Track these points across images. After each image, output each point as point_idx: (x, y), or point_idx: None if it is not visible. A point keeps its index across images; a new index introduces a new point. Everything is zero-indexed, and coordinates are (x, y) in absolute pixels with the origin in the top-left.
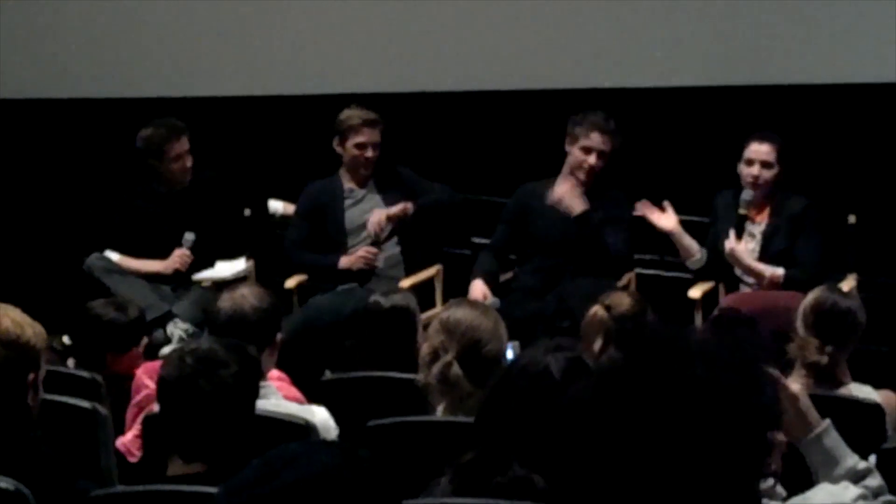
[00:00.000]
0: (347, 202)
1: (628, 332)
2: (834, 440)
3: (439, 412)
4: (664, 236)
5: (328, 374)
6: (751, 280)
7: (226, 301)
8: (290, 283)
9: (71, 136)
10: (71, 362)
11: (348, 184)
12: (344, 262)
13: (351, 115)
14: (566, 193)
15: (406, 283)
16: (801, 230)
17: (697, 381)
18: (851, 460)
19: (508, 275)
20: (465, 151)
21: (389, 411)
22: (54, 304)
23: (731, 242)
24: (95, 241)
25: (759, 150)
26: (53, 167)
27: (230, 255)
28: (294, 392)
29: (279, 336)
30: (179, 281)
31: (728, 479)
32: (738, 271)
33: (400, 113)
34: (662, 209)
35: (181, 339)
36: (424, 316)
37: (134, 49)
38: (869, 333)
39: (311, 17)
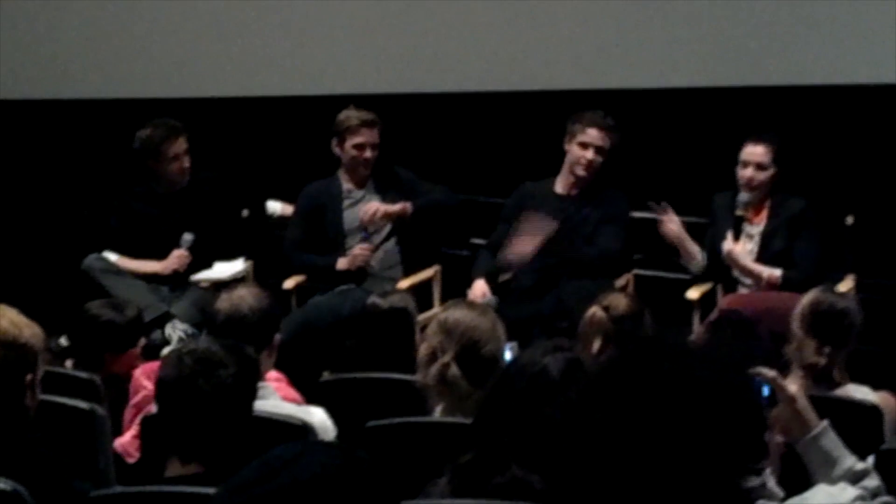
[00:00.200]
0: (346, 203)
1: (627, 334)
2: (832, 441)
3: (438, 413)
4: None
5: (326, 375)
6: (749, 281)
7: (224, 302)
8: (289, 283)
9: (69, 137)
10: (69, 363)
11: (347, 185)
12: (342, 263)
13: (349, 115)
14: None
15: (404, 283)
16: (799, 231)
17: (693, 383)
18: (849, 461)
19: (507, 275)
20: (463, 152)
21: (388, 412)
22: (52, 305)
23: (728, 244)
24: (94, 242)
25: (754, 151)
26: (52, 168)
27: (228, 256)
28: (292, 393)
29: (277, 337)
30: (178, 282)
31: (718, 477)
32: (735, 272)
33: (399, 114)
34: (665, 212)
35: (180, 340)
36: (423, 316)
37: (132, 50)
38: (867, 334)
39: (309, 17)
